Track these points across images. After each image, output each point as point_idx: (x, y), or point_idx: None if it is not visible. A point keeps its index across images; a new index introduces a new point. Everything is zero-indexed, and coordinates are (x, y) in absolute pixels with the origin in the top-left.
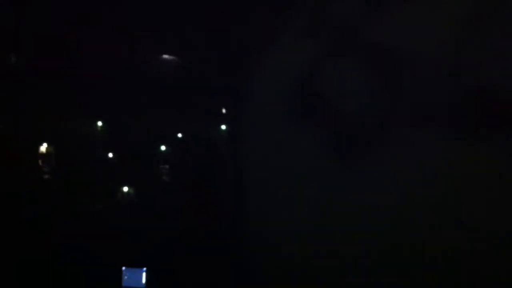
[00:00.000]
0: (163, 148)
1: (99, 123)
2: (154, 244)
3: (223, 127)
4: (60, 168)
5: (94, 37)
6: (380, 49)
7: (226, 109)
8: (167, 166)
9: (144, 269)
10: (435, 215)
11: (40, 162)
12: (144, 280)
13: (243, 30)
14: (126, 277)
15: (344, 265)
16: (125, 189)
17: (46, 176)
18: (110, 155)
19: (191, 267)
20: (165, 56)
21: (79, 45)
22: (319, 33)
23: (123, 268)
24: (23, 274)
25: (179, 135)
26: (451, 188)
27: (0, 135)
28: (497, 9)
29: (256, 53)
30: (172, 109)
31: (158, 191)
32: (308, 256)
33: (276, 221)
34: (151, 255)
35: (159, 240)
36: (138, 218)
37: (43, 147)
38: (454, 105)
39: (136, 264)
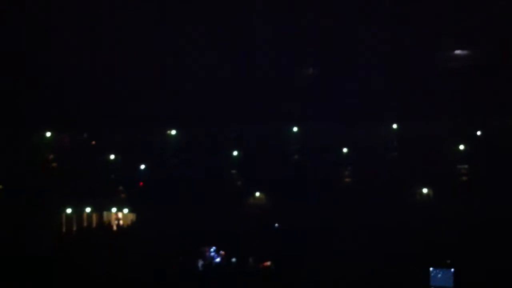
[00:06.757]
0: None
1: None
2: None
3: None
4: None
5: None
6: None
7: None
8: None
9: (452, 270)
10: None
11: None
12: (452, 280)
13: None
14: (434, 276)
15: None
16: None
17: None
18: None
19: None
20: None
21: None
22: None
23: (431, 268)
24: None
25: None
26: None
27: None
28: None
29: None
30: None
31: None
32: None
33: None
34: (458, 256)
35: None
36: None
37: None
38: None
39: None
